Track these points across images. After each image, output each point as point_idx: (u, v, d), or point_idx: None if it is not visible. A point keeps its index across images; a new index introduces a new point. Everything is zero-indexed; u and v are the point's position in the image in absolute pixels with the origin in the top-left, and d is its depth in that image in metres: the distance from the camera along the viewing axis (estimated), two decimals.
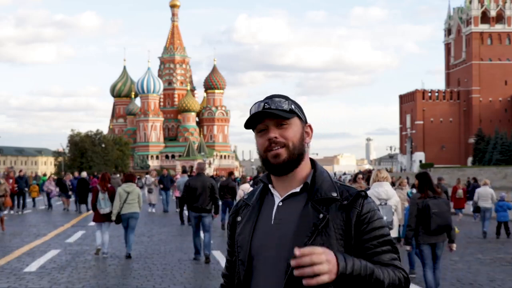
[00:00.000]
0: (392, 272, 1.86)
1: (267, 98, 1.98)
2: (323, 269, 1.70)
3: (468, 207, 22.55)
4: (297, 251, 1.70)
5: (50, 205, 26.71)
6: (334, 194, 1.92)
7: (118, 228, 16.23)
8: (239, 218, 2.07)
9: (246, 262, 1.97)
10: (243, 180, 16.81)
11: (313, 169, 2.01)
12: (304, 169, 2.00)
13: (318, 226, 1.87)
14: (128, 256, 11.72)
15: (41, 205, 28.59)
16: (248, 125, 1.98)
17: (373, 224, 1.91)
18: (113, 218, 11.82)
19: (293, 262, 1.71)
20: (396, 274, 1.86)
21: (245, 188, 14.87)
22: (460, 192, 21.48)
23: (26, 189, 25.36)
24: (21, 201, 24.50)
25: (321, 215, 1.89)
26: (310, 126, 2.04)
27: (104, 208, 11.87)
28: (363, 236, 1.90)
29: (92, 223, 14.42)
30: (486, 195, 16.46)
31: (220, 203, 14.25)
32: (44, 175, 44.38)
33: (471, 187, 23.77)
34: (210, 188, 11.40)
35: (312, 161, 2.05)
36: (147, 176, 27.99)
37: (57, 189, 27.05)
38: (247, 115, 2.08)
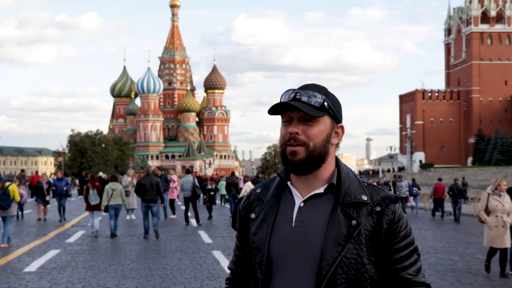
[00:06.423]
0: None
1: (302, 87, 1.82)
2: None
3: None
4: None
5: (21, 214, 20.75)
6: (365, 198, 1.78)
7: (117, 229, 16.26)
8: (252, 215, 1.87)
9: (265, 266, 1.79)
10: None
11: (337, 168, 1.85)
12: (328, 168, 1.83)
13: (352, 235, 1.74)
14: (114, 235, 14.72)
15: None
16: (272, 111, 1.81)
17: (403, 233, 1.80)
18: (102, 208, 14.94)
19: None
20: None
21: (250, 185, 14.86)
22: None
23: None
24: None
25: (354, 222, 1.75)
26: (342, 127, 1.87)
27: (94, 201, 15.26)
28: (393, 245, 1.79)
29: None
30: None
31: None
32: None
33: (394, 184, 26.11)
34: (156, 185, 14.94)
35: (336, 159, 1.88)
36: (125, 176, 22.87)
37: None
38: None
